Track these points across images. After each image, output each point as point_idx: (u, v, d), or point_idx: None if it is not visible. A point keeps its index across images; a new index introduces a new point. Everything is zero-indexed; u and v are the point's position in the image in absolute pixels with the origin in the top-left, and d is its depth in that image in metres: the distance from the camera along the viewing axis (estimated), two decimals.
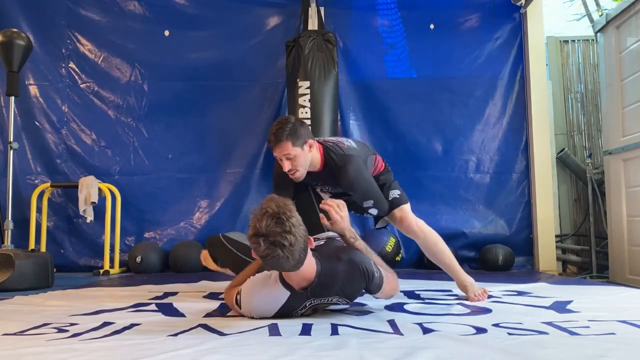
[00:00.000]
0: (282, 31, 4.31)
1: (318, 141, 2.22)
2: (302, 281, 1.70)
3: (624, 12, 3.43)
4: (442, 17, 4.33)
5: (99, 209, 3.91)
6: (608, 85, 3.65)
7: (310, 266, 1.67)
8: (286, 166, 2.08)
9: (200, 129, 4.30)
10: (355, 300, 2.19)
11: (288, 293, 1.71)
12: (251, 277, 1.84)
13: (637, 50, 3.34)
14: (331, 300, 1.78)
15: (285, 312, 1.75)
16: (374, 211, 2.26)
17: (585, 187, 4.38)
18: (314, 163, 2.16)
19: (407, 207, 2.36)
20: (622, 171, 3.48)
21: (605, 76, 3.69)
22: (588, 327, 1.61)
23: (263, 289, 1.73)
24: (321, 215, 1.99)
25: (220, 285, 2.58)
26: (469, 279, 2.34)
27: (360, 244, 1.92)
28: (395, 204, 2.34)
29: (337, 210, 1.90)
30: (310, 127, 3.75)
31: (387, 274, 1.89)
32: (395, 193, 2.35)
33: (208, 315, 1.88)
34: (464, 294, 2.34)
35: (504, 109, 4.31)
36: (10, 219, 3.25)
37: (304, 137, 2.07)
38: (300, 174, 2.12)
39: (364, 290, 1.87)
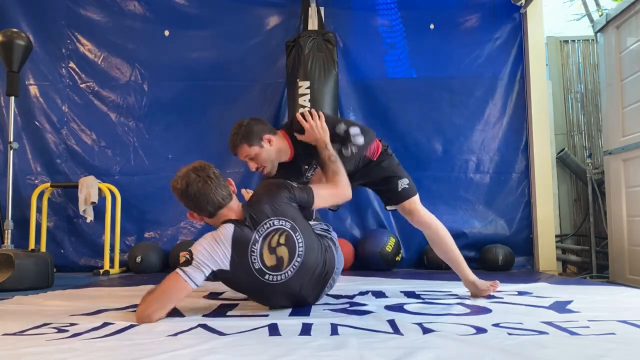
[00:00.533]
0: (282, 31, 4.31)
1: (284, 129, 2.20)
2: (237, 215, 1.83)
3: (624, 12, 3.43)
4: (442, 17, 4.34)
5: (99, 209, 3.91)
6: (608, 85, 3.65)
7: (236, 204, 1.86)
8: (252, 166, 2.11)
9: (200, 129, 4.30)
10: (355, 301, 2.20)
11: (232, 225, 1.79)
12: None
13: (637, 50, 3.34)
14: (275, 225, 1.83)
15: (242, 248, 1.76)
16: (359, 139, 2.10)
17: (585, 187, 4.38)
18: (283, 152, 2.15)
19: (416, 198, 2.33)
20: (622, 171, 3.48)
21: (605, 76, 3.69)
22: (588, 327, 1.61)
23: (212, 233, 1.79)
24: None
25: (220, 285, 2.57)
26: (474, 275, 2.34)
27: (330, 150, 2.07)
28: (404, 195, 2.30)
29: (311, 119, 2.08)
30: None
31: (324, 187, 2.03)
32: (404, 183, 2.30)
33: (208, 315, 1.88)
34: (467, 292, 2.34)
35: (504, 109, 4.31)
36: (10, 219, 3.25)
37: (259, 135, 2.08)
38: (269, 169, 2.14)
39: (296, 204, 1.91)
